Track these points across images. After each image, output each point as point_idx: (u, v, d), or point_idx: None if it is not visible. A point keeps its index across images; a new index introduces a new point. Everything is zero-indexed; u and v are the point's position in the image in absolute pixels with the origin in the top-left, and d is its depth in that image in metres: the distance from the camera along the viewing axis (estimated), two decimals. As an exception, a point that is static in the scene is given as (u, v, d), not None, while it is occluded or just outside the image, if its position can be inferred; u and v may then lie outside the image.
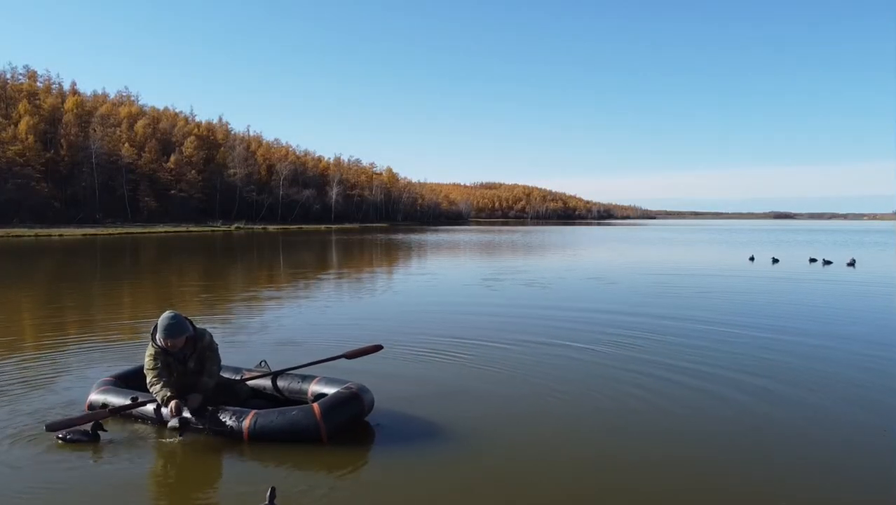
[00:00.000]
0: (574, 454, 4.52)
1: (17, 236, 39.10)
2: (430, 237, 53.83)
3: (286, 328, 9.59)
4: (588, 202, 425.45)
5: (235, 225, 69.55)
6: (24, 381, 6.26)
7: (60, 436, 4.41)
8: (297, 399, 5.12)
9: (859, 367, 7.01)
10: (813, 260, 23.08)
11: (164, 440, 4.50)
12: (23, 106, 71.35)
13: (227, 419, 4.53)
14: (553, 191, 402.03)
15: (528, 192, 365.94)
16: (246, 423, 4.45)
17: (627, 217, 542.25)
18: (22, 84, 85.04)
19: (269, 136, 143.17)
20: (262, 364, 5.49)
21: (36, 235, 40.47)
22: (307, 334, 9.00)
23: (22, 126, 67.65)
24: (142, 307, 12.76)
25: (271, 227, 71.22)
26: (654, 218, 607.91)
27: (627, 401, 5.75)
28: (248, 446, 4.43)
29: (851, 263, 21.76)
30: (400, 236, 53.99)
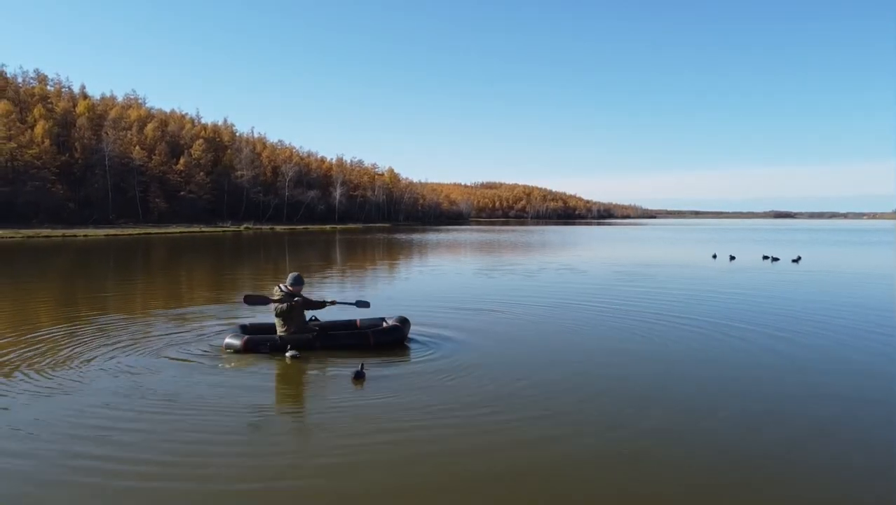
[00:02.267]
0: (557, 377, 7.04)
1: (46, 237, 41.62)
2: (431, 237, 56.26)
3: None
4: (588, 202, 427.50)
5: (244, 225, 71.95)
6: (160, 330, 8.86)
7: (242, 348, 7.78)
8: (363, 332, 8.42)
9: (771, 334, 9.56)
10: (766, 257, 25.50)
11: (282, 358, 7.62)
12: (38, 110, 73.80)
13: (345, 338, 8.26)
14: (553, 190, 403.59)
15: (529, 191, 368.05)
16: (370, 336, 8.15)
17: (628, 216, 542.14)
18: (34, 88, 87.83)
19: (271, 137, 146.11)
20: (313, 319, 8.37)
21: (63, 236, 42.95)
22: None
23: (38, 130, 70.02)
24: (205, 286, 15.46)
25: (279, 228, 73.62)
26: (655, 217, 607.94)
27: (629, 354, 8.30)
28: (323, 354, 7.69)
29: (796, 260, 24.27)
30: (402, 237, 56.40)
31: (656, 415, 5.62)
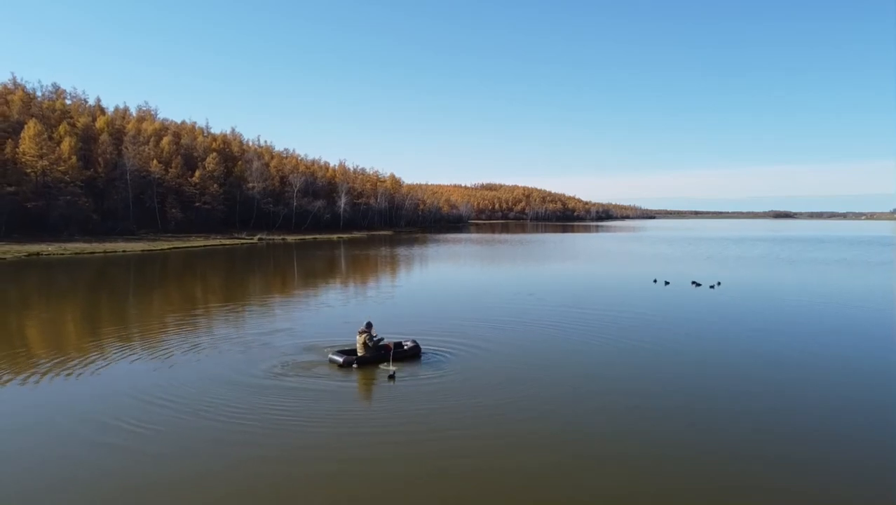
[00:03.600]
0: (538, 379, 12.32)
1: (91, 253, 46.90)
2: (431, 251, 61.75)
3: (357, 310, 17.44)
4: (587, 203, 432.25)
5: (258, 236, 77.16)
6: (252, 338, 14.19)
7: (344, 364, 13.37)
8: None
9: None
10: (693, 283, 30.32)
11: (350, 369, 13.28)
12: (63, 128, 78.97)
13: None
14: (553, 192, 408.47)
15: (528, 193, 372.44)
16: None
17: (627, 217, 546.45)
18: (54, 102, 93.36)
19: (276, 143, 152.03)
20: (386, 343, 14.00)
21: (105, 252, 48.21)
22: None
23: (65, 147, 75.05)
24: (266, 302, 20.75)
25: (289, 238, 78.83)
26: (654, 218, 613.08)
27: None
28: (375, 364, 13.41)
29: (713, 286, 29.25)
30: (403, 251, 61.64)
31: (630, 418, 10.91)
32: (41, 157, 69.35)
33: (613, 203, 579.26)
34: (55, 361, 13.70)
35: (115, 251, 48.87)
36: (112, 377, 12.46)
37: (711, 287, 28.91)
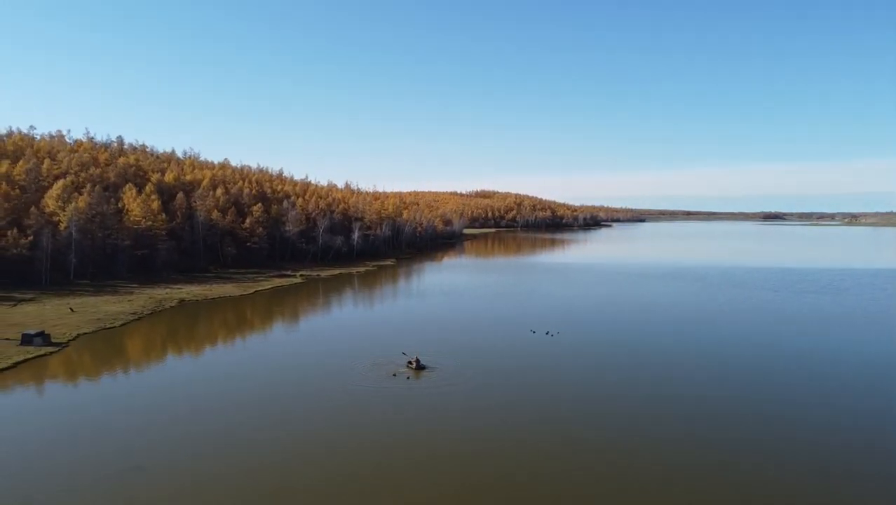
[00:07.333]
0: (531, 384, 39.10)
1: (211, 297, 72.92)
2: (427, 282, 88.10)
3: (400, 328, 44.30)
4: (575, 209, 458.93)
5: (300, 273, 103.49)
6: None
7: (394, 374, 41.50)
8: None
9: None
10: (547, 332, 53.40)
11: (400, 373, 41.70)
12: (149, 188, 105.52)
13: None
14: (543, 199, 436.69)
15: (519, 201, 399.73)
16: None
17: (617, 220, 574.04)
18: (128, 157, 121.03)
19: (291, 165, 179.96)
20: (404, 353, 42.42)
21: (218, 296, 74.09)
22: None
23: (154, 205, 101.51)
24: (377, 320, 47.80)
25: (322, 273, 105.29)
26: (644, 221, 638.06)
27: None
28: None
29: (553, 334, 51.87)
30: (402, 284, 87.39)
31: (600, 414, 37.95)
32: (144, 217, 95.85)
33: (605, 206, 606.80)
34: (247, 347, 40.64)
35: (224, 295, 75.02)
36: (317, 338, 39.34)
37: (552, 335, 52.64)
